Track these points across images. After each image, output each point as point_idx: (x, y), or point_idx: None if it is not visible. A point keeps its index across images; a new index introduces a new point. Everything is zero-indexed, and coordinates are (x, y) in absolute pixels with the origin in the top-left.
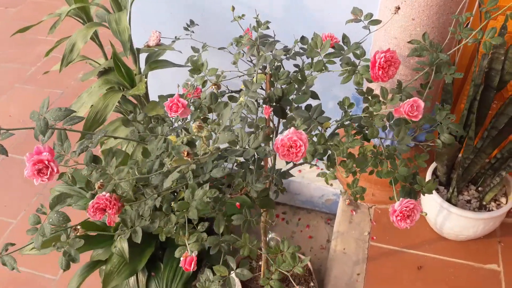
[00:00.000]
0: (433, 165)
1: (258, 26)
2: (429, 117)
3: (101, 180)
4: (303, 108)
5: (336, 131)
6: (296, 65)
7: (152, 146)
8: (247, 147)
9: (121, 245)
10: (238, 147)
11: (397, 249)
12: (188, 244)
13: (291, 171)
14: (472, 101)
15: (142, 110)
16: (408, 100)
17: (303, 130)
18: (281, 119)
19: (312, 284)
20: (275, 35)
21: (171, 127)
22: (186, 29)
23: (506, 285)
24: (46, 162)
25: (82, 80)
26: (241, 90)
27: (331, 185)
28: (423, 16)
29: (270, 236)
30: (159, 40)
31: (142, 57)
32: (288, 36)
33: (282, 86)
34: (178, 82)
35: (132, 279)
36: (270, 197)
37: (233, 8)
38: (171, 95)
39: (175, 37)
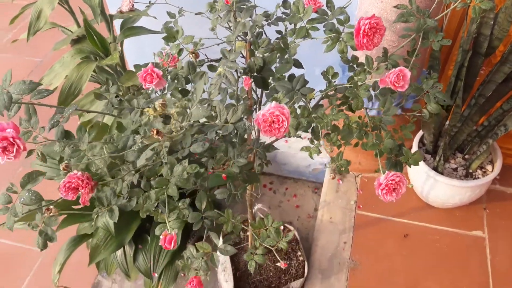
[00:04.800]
0: (420, 133)
1: None
2: (416, 86)
3: (66, 161)
4: (286, 78)
5: (320, 102)
6: (278, 32)
7: (127, 120)
8: (226, 121)
9: (106, 219)
10: (217, 121)
11: (383, 218)
12: (168, 222)
13: (276, 144)
14: (460, 67)
15: (118, 80)
16: (394, 69)
17: (285, 103)
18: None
19: (299, 253)
20: None
21: (147, 99)
22: None
23: (491, 250)
24: (11, 139)
25: (54, 50)
26: (221, 59)
27: (318, 154)
28: None
29: (256, 207)
30: (133, 5)
31: (117, 24)
32: None
33: (263, 55)
34: (157, 50)
35: (119, 252)
36: (255, 171)
37: None
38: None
39: (149, 1)
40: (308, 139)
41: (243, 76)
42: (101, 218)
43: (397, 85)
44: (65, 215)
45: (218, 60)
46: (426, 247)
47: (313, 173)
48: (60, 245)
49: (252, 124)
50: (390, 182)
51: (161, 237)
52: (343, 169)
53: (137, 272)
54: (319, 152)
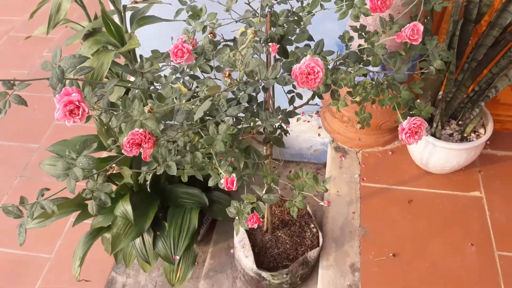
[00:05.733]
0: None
1: None
2: (421, 47)
3: (149, 105)
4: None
5: (336, 67)
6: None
7: (166, 90)
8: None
9: (125, 207)
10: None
11: (387, 187)
12: (223, 170)
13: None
14: (451, 36)
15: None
16: (408, 24)
17: None
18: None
19: (312, 225)
20: None
21: (175, 76)
22: None
23: (489, 208)
24: (77, 103)
25: (66, 45)
26: (234, 39)
27: (319, 135)
28: None
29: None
30: None
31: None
32: None
33: (283, 25)
34: (162, 42)
35: (138, 241)
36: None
37: None
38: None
39: None
40: (308, 121)
41: (269, 44)
42: (123, 204)
43: (412, 38)
44: (79, 211)
45: (232, 41)
46: (429, 210)
47: (315, 155)
48: (68, 248)
49: (291, 77)
50: (413, 125)
51: (221, 181)
52: (366, 122)
53: (156, 259)
54: (346, 105)
